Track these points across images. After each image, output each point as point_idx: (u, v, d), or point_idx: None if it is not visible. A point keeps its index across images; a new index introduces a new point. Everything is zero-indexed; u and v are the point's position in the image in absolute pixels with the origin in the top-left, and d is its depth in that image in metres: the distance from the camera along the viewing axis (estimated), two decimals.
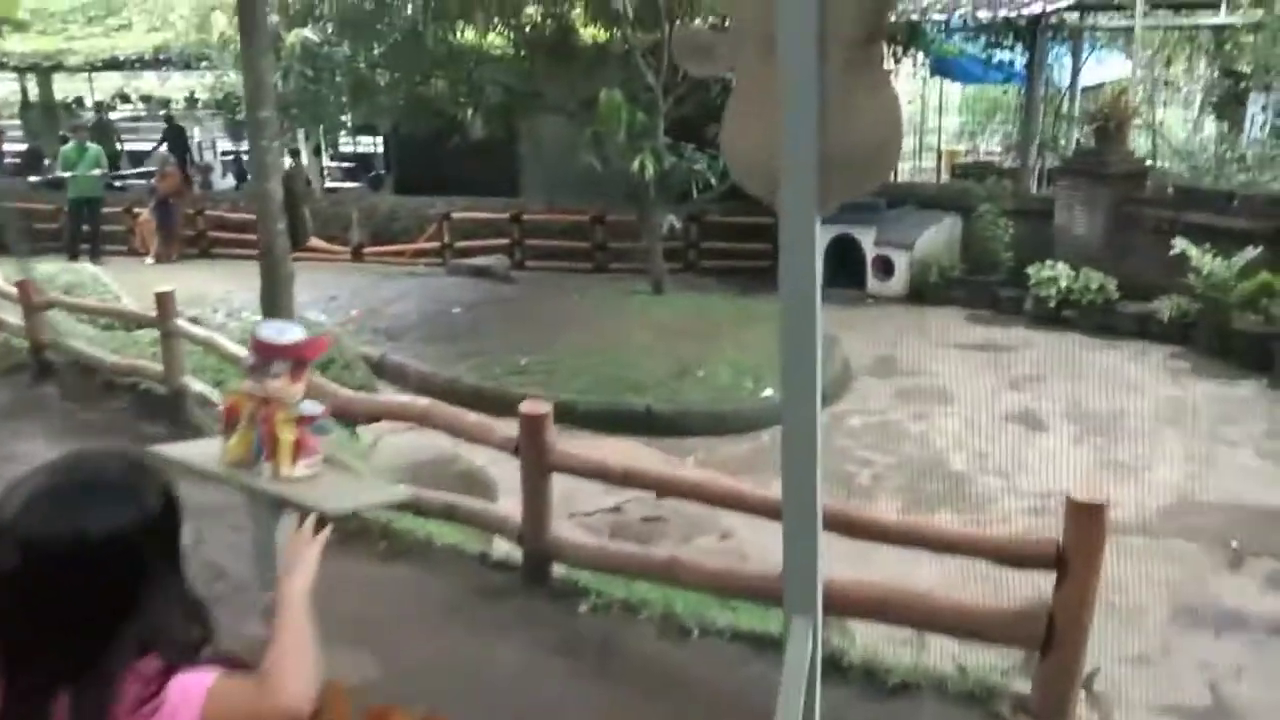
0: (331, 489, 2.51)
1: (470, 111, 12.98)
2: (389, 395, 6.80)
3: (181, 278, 10.50)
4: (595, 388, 8.95)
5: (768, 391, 8.81)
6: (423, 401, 4.67)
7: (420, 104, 13.16)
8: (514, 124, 14.21)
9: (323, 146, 18.30)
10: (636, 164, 11.17)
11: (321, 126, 15.45)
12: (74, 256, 14.17)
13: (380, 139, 18.90)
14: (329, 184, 18.54)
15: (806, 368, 2.14)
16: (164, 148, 17.41)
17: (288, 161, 13.80)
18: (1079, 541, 2.96)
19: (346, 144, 19.76)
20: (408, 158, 16.69)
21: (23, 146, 19.93)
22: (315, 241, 15.01)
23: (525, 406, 4.08)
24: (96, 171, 15.03)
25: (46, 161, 17.93)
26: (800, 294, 2.10)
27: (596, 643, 3.87)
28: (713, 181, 11.61)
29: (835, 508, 3.14)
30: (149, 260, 15.14)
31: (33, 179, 17.52)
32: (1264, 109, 13.11)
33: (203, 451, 2.64)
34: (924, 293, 12.55)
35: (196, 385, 6.34)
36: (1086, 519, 2.95)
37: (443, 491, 5.44)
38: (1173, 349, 10.28)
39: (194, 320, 10.45)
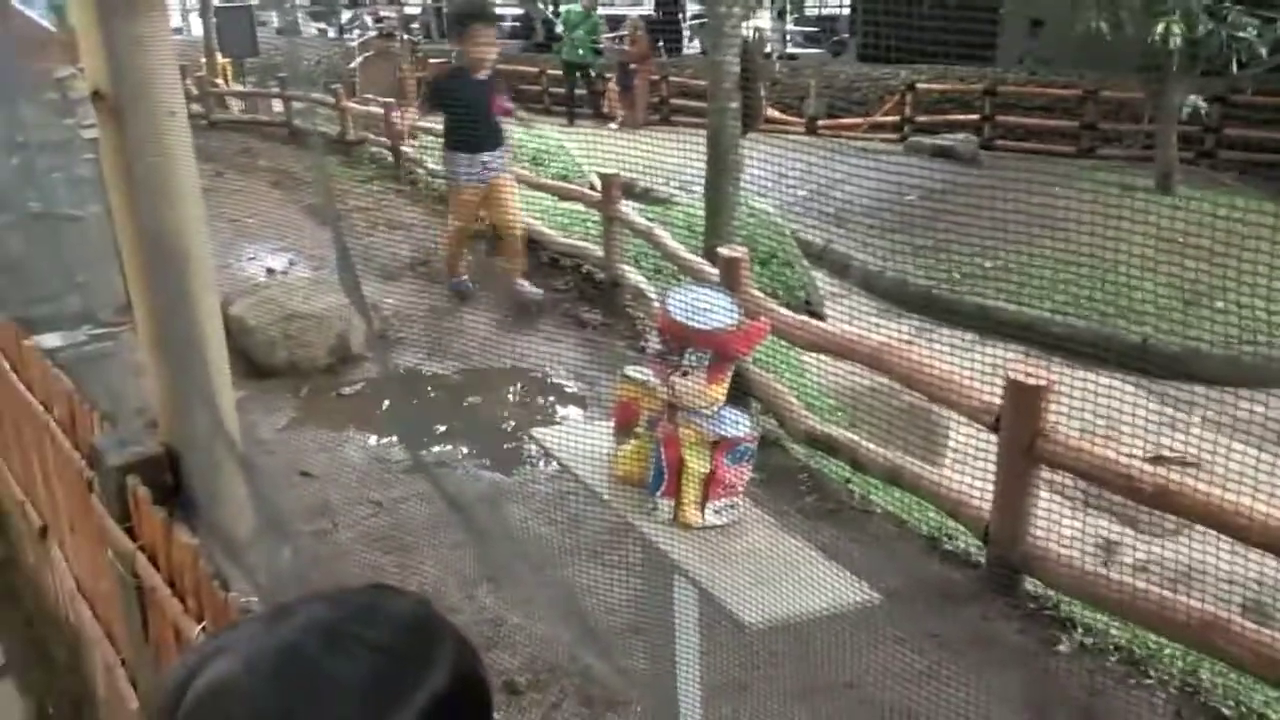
0: (752, 567, 1.68)
1: None
2: (831, 323, 5.96)
3: (641, 145, 10.38)
4: (1075, 307, 7.46)
5: None
6: (874, 340, 3.80)
7: None
8: None
9: (787, 8, 17.45)
10: (1160, 29, 9.00)
11: None
12: (571, 120, 14.98)
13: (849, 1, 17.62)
14: (789, 49, 17.73)
15: None
16: (645, 12, 17.68)
17: (750, 31, 13.19)
18: None
19: (813, 5, 18.72)
20: (875, 20, 15.30)
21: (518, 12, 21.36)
22: (770, 112, 14.42)
23: (1015, 375, 3.06)
24: (591, 38, 15.65)
25: (545, 27, 19.05)
26: None
27: (1078, 703, 2.88)
28: (1262, 53, 9.08)
29: None
30: (613, 125, 15.53)
31: (525, 43, 18.73)
32: None
33: (590, 449, 1.98)
34: None
35: (633, 275, 6.00)
36: None
37: (884, 432, 4.63)
38: None
39: (645, 192, 10.45)
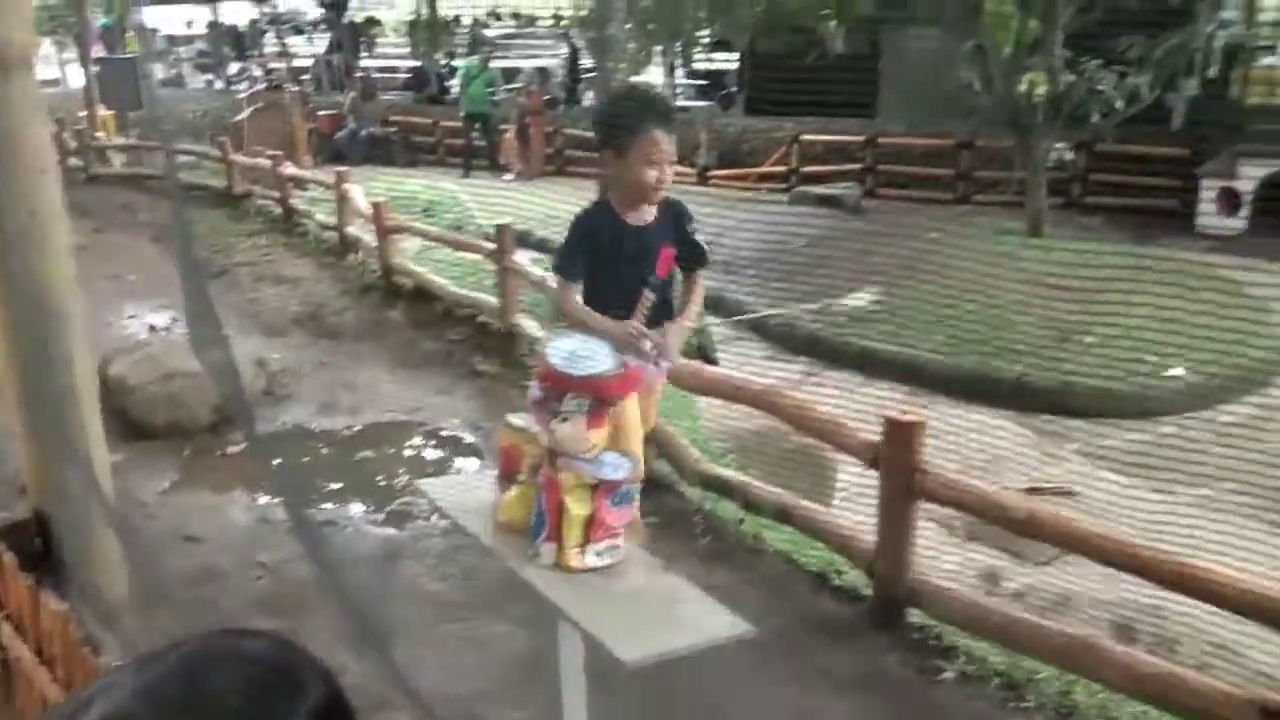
0: (632, 606, 1.74)
1: (832, 24, 11.85)
2: (721, 369, 6.09)
3: (535, 196, 10.48)
4: (954, 347, 7.78)
5: (1176, 371, 7.20)
6: (760, 384, 3.91)
7: (779, 17, 12.22)
8: (878, 37, 12.88)
9: (676, 64, 17.92)
10: (1025, 83, 9.57)
11: (678, 43, 15.00)
12: (467, 171, 15.03)
13: (735, 55, 18.18)
14: (680, 103, 18.16)
15: None
16: (541, 65, 17.90)
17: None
18: None
19: (701, 61, 19.23)
20: (761, 75, 15.84)
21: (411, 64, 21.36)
22: None
23: (893, 414, 3.19)
24: (488, 90, 15.78)
25: (438, 79, 19.10)
26: None
27: None
28: (1118, 105, 9.73)
29: None
30: (508, 176, 15.62)
31: (417, 95, 18.73)
32: None
33: (476, 501, 2.00)
34: None
35: (529, 326, 6.04)
36: None
37: (775, 472, 4.74)
38: None
39: (542, 243, 10.51)
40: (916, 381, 7.75)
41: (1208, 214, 10.91)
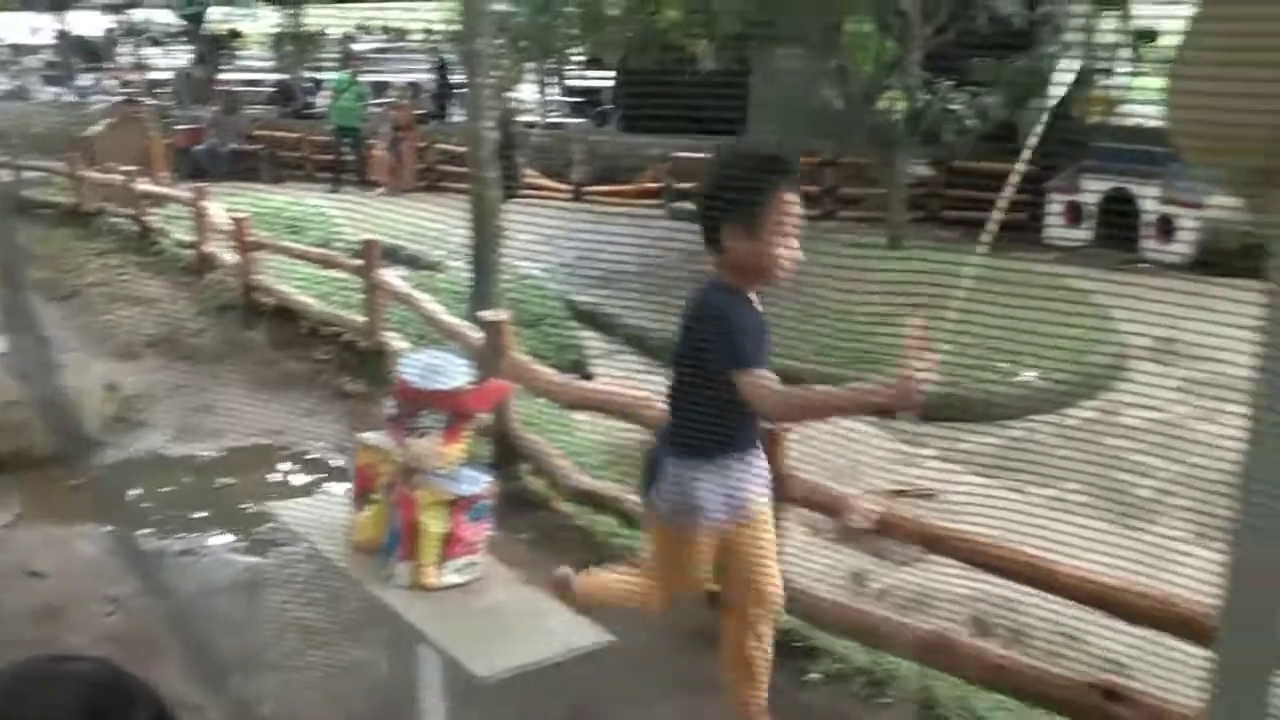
0: (490, 622, 1.71)
1: (703, 43, 12.08)
2: (596, 382, 6.11)
3: (408, 211, 10.32)
4: (819, 357, 8.00)
5: (1025, 375, 7.56)
6: (630, 393, 3.94)
7: (650, 35, 12.38)
8: (748, 57, 13.19)
9: (549, 81, 17.97)
10: (884, 102, 9.95)
11: (549, 60, 15.04)
12: (337, 186, 14.70)
13: (611, 73, 18.35)
14: (554, 119, 18.21)
15: None
16: (412, 79, 17.69)
17: (510, 100, 13.54)
18: None
19: (577, 78, 19.33)
20: (635, 93, 16.02)
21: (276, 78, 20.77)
22: (537, 179, 14.73)
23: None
24: (358, 104, 15.46)
25: (304, 94, 18.65)
26: None
27: None
28: (970, 123, 10.21)
29: None
30: (379, 191, 15.35)
31: (283, 109, 18.25)
32: None
33: (332, 522, 1.94)
34: (1213, 260, 10.66)
35: (398, 342, 5.93)
36: None
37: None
38: None
39: (414, 259, 10.34)
40: None
41: (1054, 226, 11.58)
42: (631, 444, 5.43)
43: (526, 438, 4.71)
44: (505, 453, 4.73)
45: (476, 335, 4.84)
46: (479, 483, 1.78)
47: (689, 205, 13.29)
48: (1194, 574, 2.68)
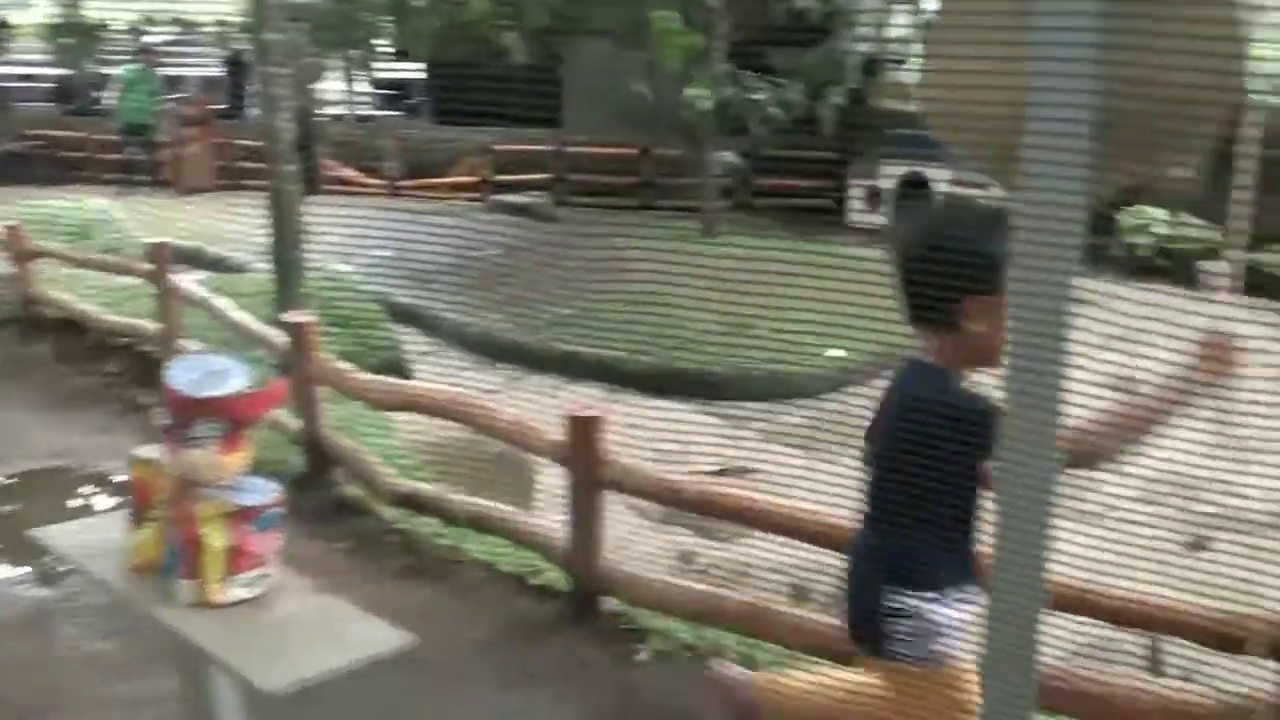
0: (283, 634, 1.64)
1: (512, 35, 12.00)
2: (411, 382, 5.95)
3: (205, 212, 9.77)
4: (642, 344, 8.12)
5: (833, 352, 7.92)
6: (445, 391, 3.87)
7: (458, 27, 12.19)
8: (557, 49, 13.19)
9: (357, 74, 17.37)
10: (690, 93, 10.17)
11: (354, 51, 14.55)
12: (129, 187, 13.67)
13: (421, 65, 17.91)
14: (364, 112, 17.64)
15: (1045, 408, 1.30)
16: (207, 74, 16.71)
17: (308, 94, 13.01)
18: None
19: (386, 70, 18.76)
20: (446, 85, 15.72)
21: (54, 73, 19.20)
22: (350, 173, 14.26)
23: (574, 408, 3.27)
24: (149, 100, 14.39)
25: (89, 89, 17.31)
26: (1048, 315, 1.24)
27: (659, 704, 3.11)
28: (773, 113, 10.59)
29: None
30: (176, 191, 14.47)
31: (64, 107, 16.92)
32: None
33: (109, 544, 1.81)
34: None
35: (196, 350, 5.61)
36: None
37: (471, 480, 4.71)
38: None
39: (217, 261, 9.80)
40: (615, 380, 8.04)
41: (857, 210, 12.16)
42: (456, 443, 5.35)
43: (339, 443, 4.55)
44: (317, 460, 4.56)
45: (281, 338, 4.64)
46: (266, 491, 1.70)
47: (509, 199, 13.20)
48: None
